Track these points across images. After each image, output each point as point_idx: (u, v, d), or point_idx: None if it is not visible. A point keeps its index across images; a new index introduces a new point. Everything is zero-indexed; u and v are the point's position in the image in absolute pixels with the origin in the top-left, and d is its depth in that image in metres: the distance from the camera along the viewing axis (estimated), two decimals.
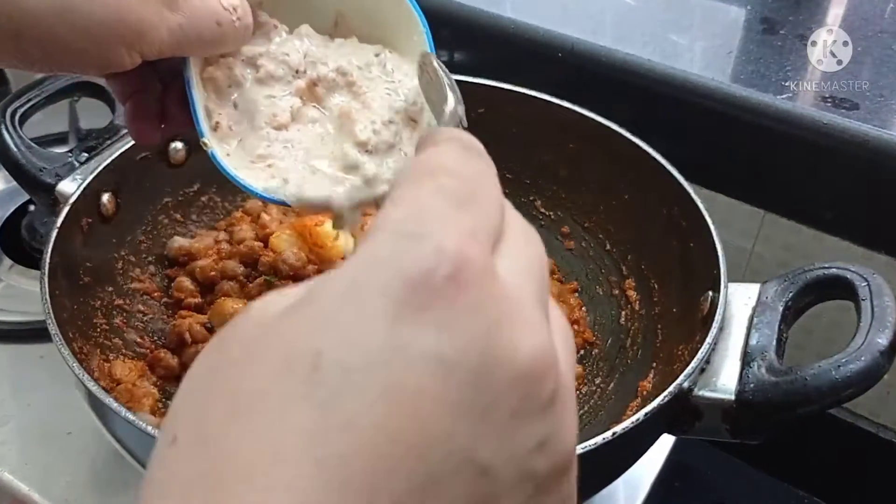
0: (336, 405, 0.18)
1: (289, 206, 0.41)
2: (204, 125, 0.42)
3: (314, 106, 0.43)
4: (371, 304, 0.19)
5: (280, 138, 0.42)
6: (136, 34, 0.36)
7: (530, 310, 0.21)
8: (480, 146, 0.25)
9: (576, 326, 0.64)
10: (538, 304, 0.21)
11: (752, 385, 0.46)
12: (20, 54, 0.36)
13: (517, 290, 0.21)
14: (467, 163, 0.23)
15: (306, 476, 0.17)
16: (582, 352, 0.63)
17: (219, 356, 0.21)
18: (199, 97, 0.41)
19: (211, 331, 0.59)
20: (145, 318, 0.61)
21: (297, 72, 0.42)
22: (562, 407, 0.21)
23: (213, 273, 0.63)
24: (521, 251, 0.23)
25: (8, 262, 0.74)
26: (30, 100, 0.62)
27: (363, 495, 0.17)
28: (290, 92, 0.42)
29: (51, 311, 0.48)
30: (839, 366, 0.43)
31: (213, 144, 0.42)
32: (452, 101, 0.34)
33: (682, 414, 0.47)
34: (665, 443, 0.62)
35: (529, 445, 0.20)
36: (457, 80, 0.36)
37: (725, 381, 0.47)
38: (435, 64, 0.38)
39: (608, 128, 0.63)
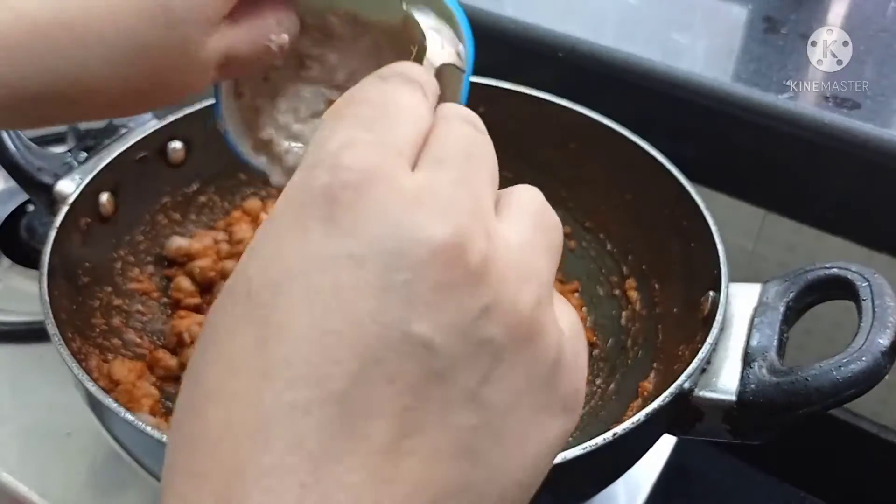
0: (269, 318, 0.20)
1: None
2: (223, 98, 0.41)
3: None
4: (286, 227, 0.21)
5: (291, 130, 0.41)
6: (189, 93, 0.36)
7: (445, 193, 0.21)
8: (409, 69, 0.26)
9: None
10: (458, 186, 0.22)
11: (753, 385, 0.46)
12: (70, 117, 0.36)
13: (430, 180, 0.22)
14: (378, 88, 0.25)
15: (254, 383, 0.20)
16: None
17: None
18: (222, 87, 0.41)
19: None
20: (144, 319, 0.61)
21: (336, 86, 0.42)
22: (505, 275, 0.21)
23: (212, 273, 0.63)
24: (445, 146, 0.23)
25: (7, 261, 0.74)
26: None
27: (309, 390, 0.19)
28: (321, 100, 0.42)
29: (50, 311, 0.48)
30: (840, 366, 0.43)
31: (228, 124, 0.41)
32: (430, 40, 0.34)
33: (683, 414, 0.47)
34: (666, 443, 0.62)
35: (470, 314, 0.20)
36: None
37: (726, 381, 0.46)
38: (403, 6, 0.37)
39: (609, 127, 0.63)
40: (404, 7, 0.38)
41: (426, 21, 0.37)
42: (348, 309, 0.20)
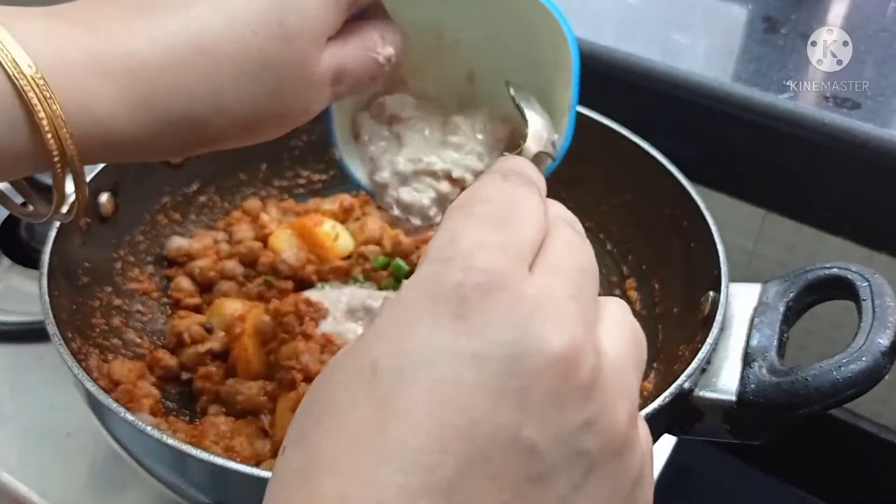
0: (392, 401, 0.22)
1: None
2: (337, 134, 0.44)
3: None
4: (414, 318, 0.23)
5: (406, 181, 0.43)
6: (307, 116, 0.37)
7: (562, 305, 0.23)
8: (526, 168, 0.29)
9: None
10: (573, 299, 0.24)
11: (753, 385, 0.46)
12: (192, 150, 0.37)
13: (549, 289, 0.24)
14: (501, 188, 0.27)
15: (372, 462, 0.21)
16: None
17: (315, 383, 0.25)
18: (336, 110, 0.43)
19: (209, 331, 0.59)
20: (144, 319, 0.61)
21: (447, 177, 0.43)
22: (607, 390, 0.23)
23: (212, 273, 0.63)
24: (560, 255, 0.25)
25: (7, 261, 0.74)
26: None
27: (421, 476, 0.21)
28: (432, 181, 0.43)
29: (50, 311, 0.48)
30: (840, 366, 0.43)
31: (344, 154, 0.44)
32: (531, 128, 0.38)
33: (683, 414, 0.47)
34: (666, 443, 0.62)
35: (574, 425, 0.22)
36: None
37: (726, 381, 0.46)
38: (511, 93, 0.40)
39: (609, 127, 0.63)
40: (511, 92, 0.40)
41: (530, 109, 0.39)
42: (467, 405, 0.21)
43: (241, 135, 0.37)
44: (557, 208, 0.28)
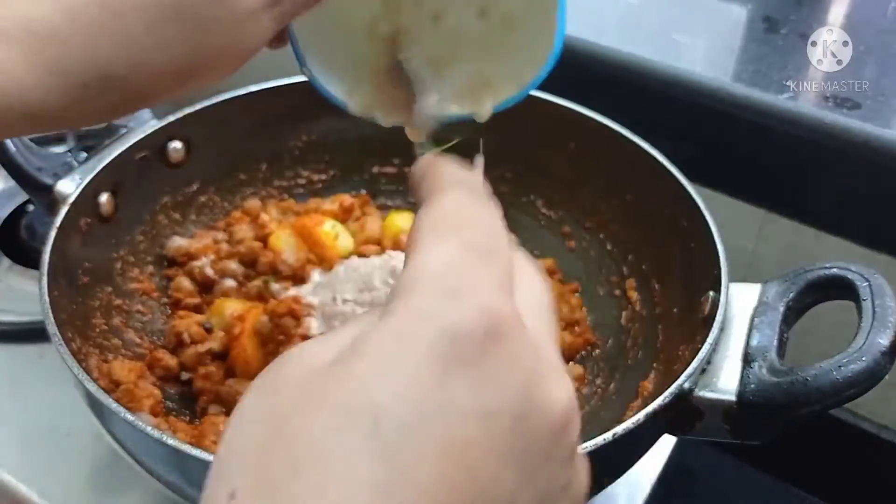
0: (396, 459, 0.19)
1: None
2: (305, 54, 0.40)
3: None
4: (422, 360, 0.20)
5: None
6: (249, 53, 0.35)
7: (554, 355, 0.23)
8: (482, 186, 0.27)
9: (576, 327, 0.64)
10: (556, 347, 0.23)
11: (753, 385, 0.46)
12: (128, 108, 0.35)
13: (541, 336, 0.23)
14: (483, 213, 0.25)
15: None
16: (583, 352, 0.63)
17: (275, 403, 0.21)
18: (300, 32, 0.40)
19: (209, 331, 0.59)
20: (144, 319, 0.61)
21: None
22: (579, 452, 0.23)
23: (211, 273, 0.63)
24: (533, 291, 0.24)
25: (7, 261, 0.74)
26: None
27: None
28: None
29: (50, 311, 0.48)
30: (840, 366, 0.43)
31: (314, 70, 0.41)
32: (423, 101, 0.35)
33: (683, 414, 0.47)
34: (666, 444, 0.62)
35: (557, 488, 0.22)
36: None
37: (726, 381, 0.46)
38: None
39: (609, 127, 0.63)
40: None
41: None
42: (475, 471, 0.20)
43: (174, 85, 0.34)
44: (519, 248, 0.27)
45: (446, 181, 0.27)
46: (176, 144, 0.64)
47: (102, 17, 0.30)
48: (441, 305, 0.21)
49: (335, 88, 0.42)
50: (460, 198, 0.26)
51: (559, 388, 0.22)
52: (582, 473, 0.23)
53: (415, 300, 0.21)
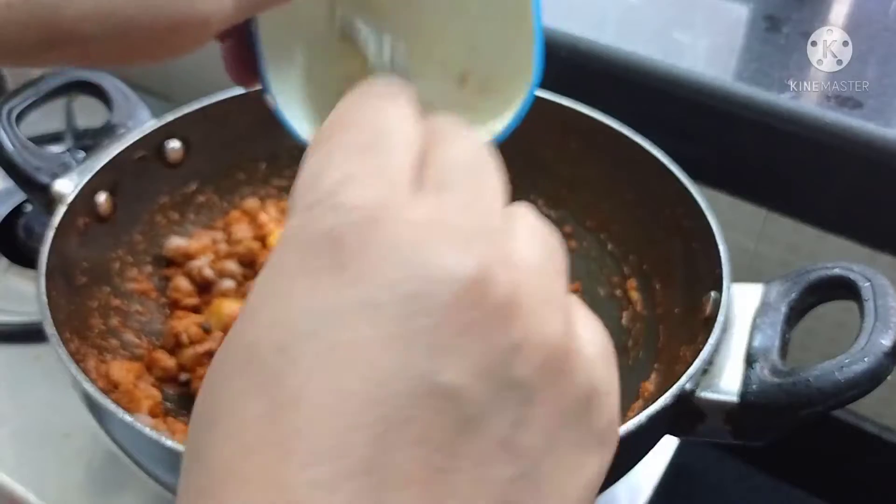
0: (280, 385, 0.18)
1: None
2: (270, 79, 0.37)
3: None
4: (288, 280, 0.19)
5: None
6: (203, 22, 0.30)
7: (458, 221, 0.20)
8: (384, 82, 0.25)
9: None
10: (469, 211, 0.20)
11: (754, 386, 0.45)
12: (72, 58, 0.30)
13: (440, 208, 0.20)
14: (362, 108, 0.23)
15: (273, 462, 0.17)
16: None
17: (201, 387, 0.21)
18: (265, 51, 0.37)
19: (207, 331, 0.59)
20: (142, 319, 0.61)
21: None
22: (531, 304, 0.19)
23: (210, 273, 0.63)
24: (447, 163, 0.22)
25: (4, 261, 0.73)
26: (26, 98, 0.61)
27: (331, 464, 0.17)
28: None
29: (47, 311, 0.48)
30: (842, 367, 0.43)
31: (279, 100, 0.38)
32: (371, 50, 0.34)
33: (685, 415, 0.47)
34: (668, 445, 0.62)
35: (499, 354, 0.19)
36: None
37: (728, 382, 0.46)
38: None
39: (610, 126, 0.62)
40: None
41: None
42: (369, 365, 0.18)
43: (113, 43, 0.29)
44: (445, 120, 0.24)
45: (354, 91, 0.25)
46: (174, 144, 0.63)
47: None
48: (299, 221, 0.20)
49: (301, 125, 0.39)
50: (352, 100, 0.24)
51: (456, 252, 0.19)
52: (543, 326, 0.19)
53: (284, 230, 0.21)
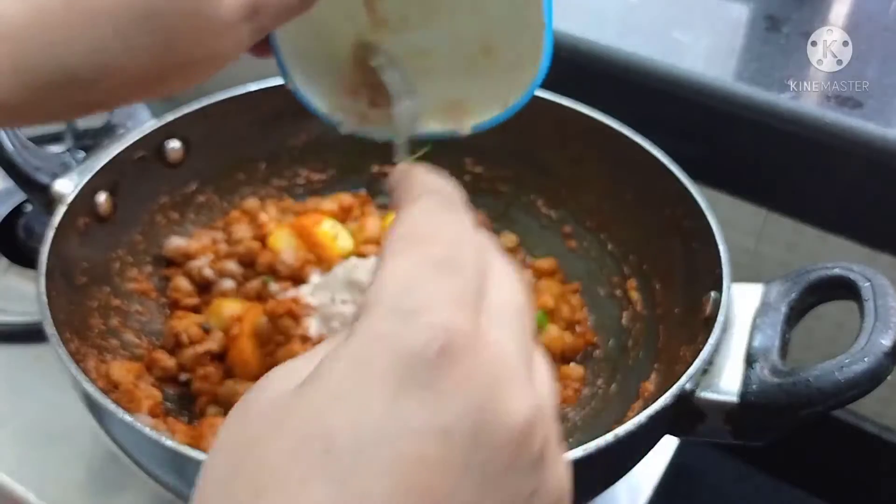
0: (350, 481, 0.19)
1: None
2: (289, 68, 0.42)
3: None
4: (373, 383, 0.20)
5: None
6: (223, 62, 0.34)
7: (518, 369, 0.22)
8: (455, 194, 0.27)
9: (577, 327, 0.63)
10: (523, 360, 0.23)
11: (755, 386, 0.45)
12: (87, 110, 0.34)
13: (504, 350, 0.22)
14: (446, 223, 0.25)
15: None
16: (584, 353, 0.63)
17: (241, 432, 0.22)
18: (284, 44, 0.41)
19: (207, 332, 0.59)
20: (142, 319, 0.61)
21: None
22: (551, 456, 0.22)
23: (210, 273, 0.63)
24: (505, 304, 0.24)
25: (4, 261, 0.73)
26: None
27: None
28: None
29: (47, 311, 0.48)
30: (842, 367, 0.43)
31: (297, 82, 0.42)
32: (401, 106, 0.36)
33: (685, 415, 0.47)
34: (668, 445, 0.62)
35: (523, 497, 0.22)
36: None
37: (728, 382, 0.46)
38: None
39: (610, 126, 0.62)
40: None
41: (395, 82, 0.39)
42: (429, 485, 0.20)
43: (142, 90, 0.33)
44: (496, 248, 0.26)
45: (415, 191, 0.27)
46: (174, 144, 0.63)
47: (70, 18, 0.30)
48: (394, 326, 0.21)
49: (319, 102, 0.43)
50: (425, 208, 0.26)
51: (520, 398, 0.21)
52: (553, 477, 0.23)
53: (371, 321, 0.22)
